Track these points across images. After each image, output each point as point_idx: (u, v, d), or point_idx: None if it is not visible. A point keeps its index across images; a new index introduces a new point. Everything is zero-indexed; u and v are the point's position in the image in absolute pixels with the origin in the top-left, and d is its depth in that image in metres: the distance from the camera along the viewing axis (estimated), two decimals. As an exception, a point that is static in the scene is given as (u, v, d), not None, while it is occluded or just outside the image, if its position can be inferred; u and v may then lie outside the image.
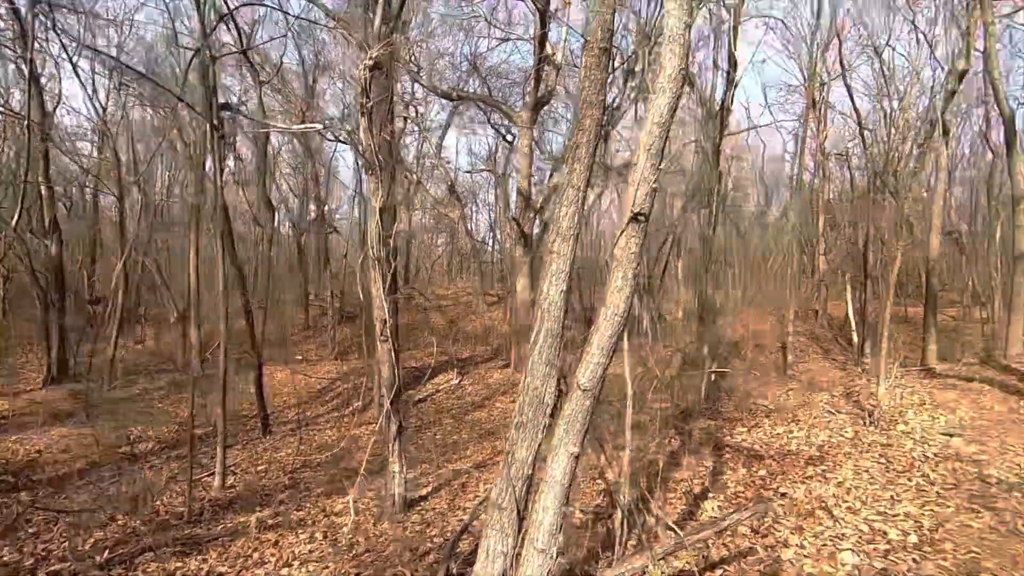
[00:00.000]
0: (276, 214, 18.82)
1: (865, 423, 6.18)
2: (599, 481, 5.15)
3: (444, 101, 15.67)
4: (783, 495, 4.45)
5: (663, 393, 8.25)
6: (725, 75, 10.25)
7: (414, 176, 16.13)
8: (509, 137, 16.32)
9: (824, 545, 3.52)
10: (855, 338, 16.96)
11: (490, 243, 25.37)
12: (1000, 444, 5.39)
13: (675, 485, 4.86)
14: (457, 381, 11.86)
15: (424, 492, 5.78)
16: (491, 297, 20.98)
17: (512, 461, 2.61)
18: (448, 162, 20.71)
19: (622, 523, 3.43)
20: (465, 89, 13.83)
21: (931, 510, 4.03)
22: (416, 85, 14.34)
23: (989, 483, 4.53)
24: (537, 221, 12.13)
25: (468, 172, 21.58)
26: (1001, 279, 15.03)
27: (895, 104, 18.08)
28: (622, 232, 2.37)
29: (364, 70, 4.59)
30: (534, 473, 2.64)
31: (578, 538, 3.84)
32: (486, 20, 13.01)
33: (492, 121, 16.27)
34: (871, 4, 16.75)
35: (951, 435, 5.62)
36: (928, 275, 10.18)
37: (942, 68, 12.84)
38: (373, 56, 4.61)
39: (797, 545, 3.54)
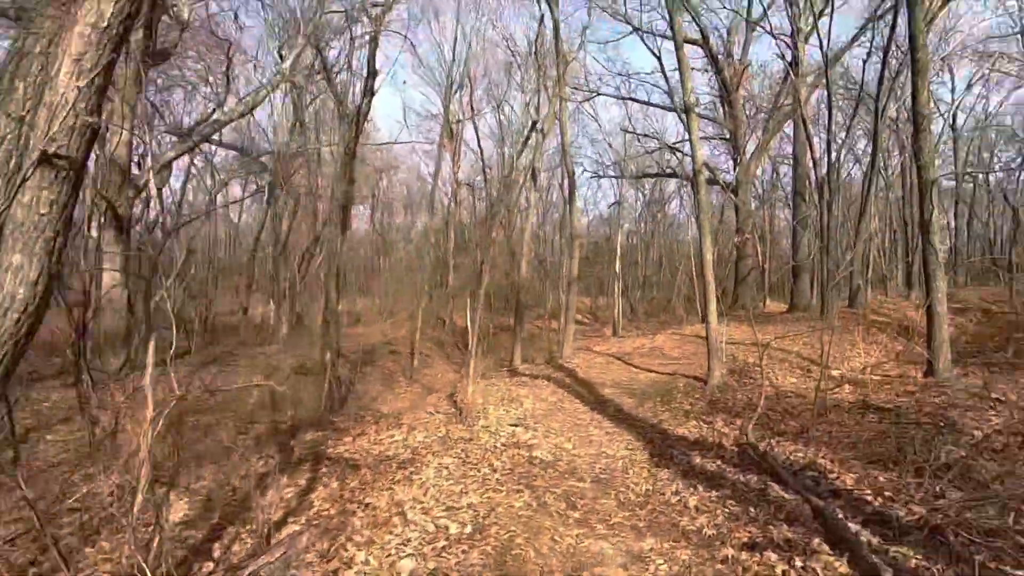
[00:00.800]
0: None
1: (456, 421, 6.80)
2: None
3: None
4: (367, 505, 4.32)
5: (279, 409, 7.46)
6: (364, 81, 10.31)
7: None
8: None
9: (389, 556, 3.45)
10: (470, 344, 19.23)
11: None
12: (546, 429, 6.61)
13: (252, 515, 4.21)
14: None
15: None
16: None
17: None
18: None
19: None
20: None
21: (488, 497, 4.49)
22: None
23: (534, 464, 5.41)
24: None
25: None
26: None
27: (507, 150, 21.62)
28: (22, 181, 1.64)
29: None
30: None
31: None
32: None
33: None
34: (498, 62, 19.67)
35: (517, 425, 6.63)
36: (518, 293, 12.33)
37: (537, 129, 15.75)
38: None
39: (362, 562, 3.37)
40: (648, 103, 22.81)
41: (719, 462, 5.07)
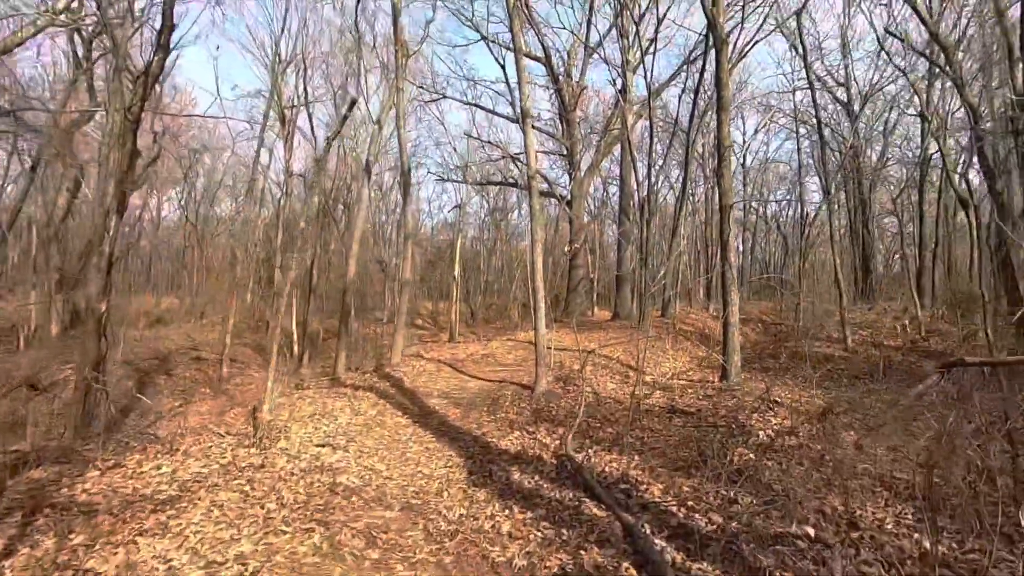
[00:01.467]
0: None
1: (249, 443, 5.71)
2: None
3: None
4: (86, 573, 3.21)
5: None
6: (157, 35, 8.51)
7: None
8: None
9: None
10: (296, 349, 17.48)
11: None
12: (359, 448, 5.86)
13: None
14: None
15: None
16: None
17: None
18: None
19: None
20: None
21: (267, 543, 3.64)
22: None
23: (337, 492, 4.65)
24: None
25: None
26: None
27: (346, 142, 20.16)
28: None
29: None
30: None
31: None
32: None
33: None
34: (338, 46, 18.18)
35: (324, 445, 5.77)
36: (344, 294, 11.27)
37: (375, 122, 14.77)
38: None
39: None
40: (493, 112, 23.09)
41: (537, 477, 4.80)
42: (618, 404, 7.86)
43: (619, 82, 17.46)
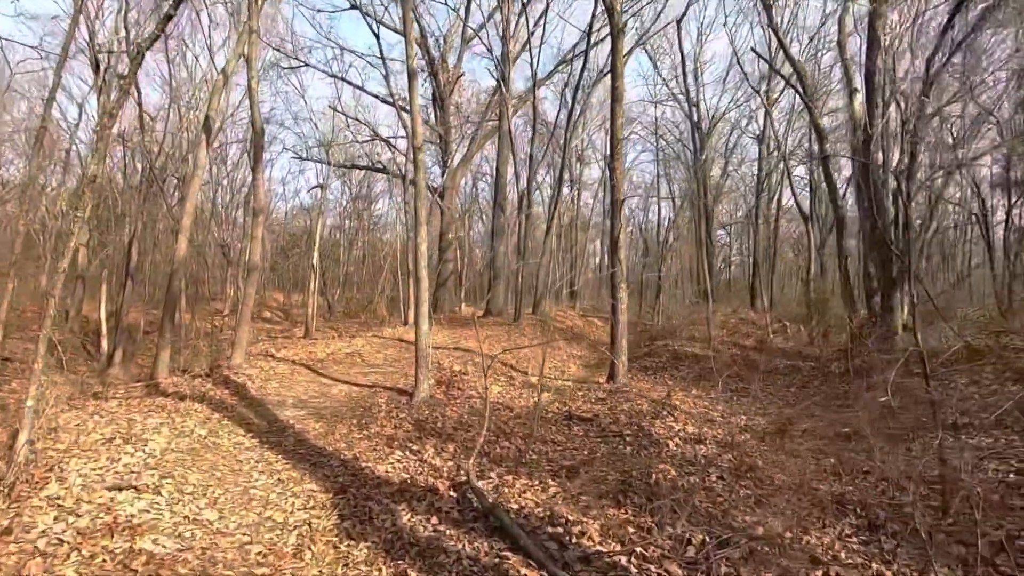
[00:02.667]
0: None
1: None
2: None
3: None
4: None
5: None
6: None
7: None
8: None
9: None
10: (105, 345, 14.21)
11: None
12: (177, 487, 4.18)
13: None
14: None
15: None
16: None
17: None
18: None
19: None
20: None
21: None
22: None
23: (133, 568, 3.06)
24: None
25: None
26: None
27: (185, 100, 16.88)
28: None
29: None
30: None
31: None
32: None
33: None
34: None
35: (120, 488, 4.00)
36: (171, 278, 8.93)
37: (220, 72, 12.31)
38: None
39: None
40: (362, 88, 21.00)
41: (435, 520, 3.64)
42: (508, 411, 6.96)
43: (499, 71, 16.70)
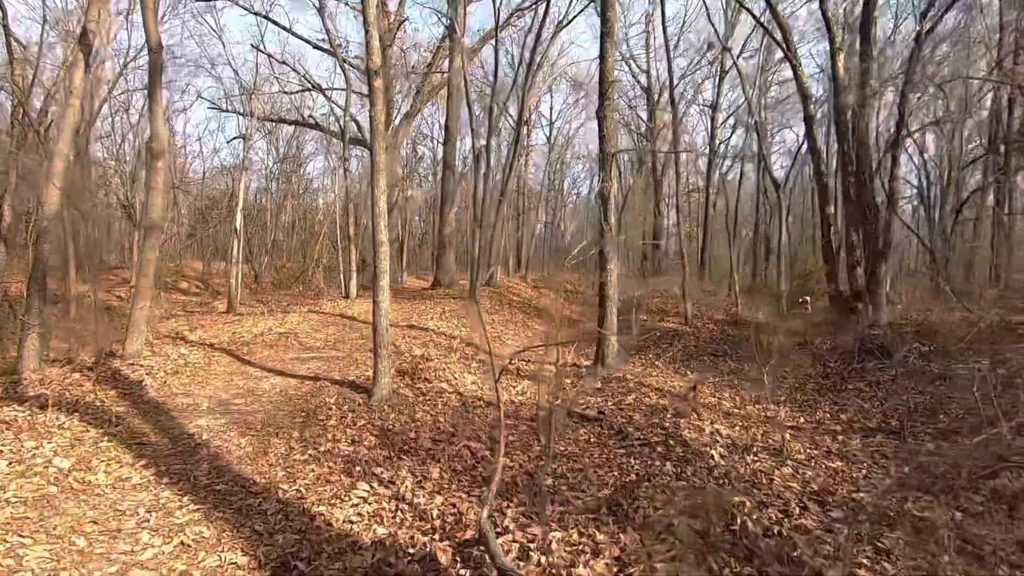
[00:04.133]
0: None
1: None
2: None
3: None
4: None
5: None
6: None
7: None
8: None
9: None
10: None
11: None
12: (14, 559, 2.49)
13: None
14: None
15: None
16: None
17: None
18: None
19: None
20: None
21: None
22: None
23: None
24: None
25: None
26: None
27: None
28: None
29: None
30: None
31: None
32: None
33: None
34: None
35: None
36: (37, 240, 6.69)
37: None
38: None
39: None
40: (290, 31, 18.14)
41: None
42: (489, 406, 5.56)
43: (452, 10, 14.68)
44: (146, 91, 16.62)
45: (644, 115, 23.61)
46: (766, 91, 19.02)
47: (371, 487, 3.59)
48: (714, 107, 21.57)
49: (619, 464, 4.09)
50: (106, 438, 4.28)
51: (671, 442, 4.44)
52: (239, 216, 12.72)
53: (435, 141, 26.67)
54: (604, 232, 7.36)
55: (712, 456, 4.19)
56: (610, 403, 5.64)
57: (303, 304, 12.78)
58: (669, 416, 5.07)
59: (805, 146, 14.29)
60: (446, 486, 3.62)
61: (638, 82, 23.62)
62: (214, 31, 26.19)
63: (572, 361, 7.52)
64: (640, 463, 4.08)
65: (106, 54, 15.43)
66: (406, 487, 3.58)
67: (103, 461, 3.90)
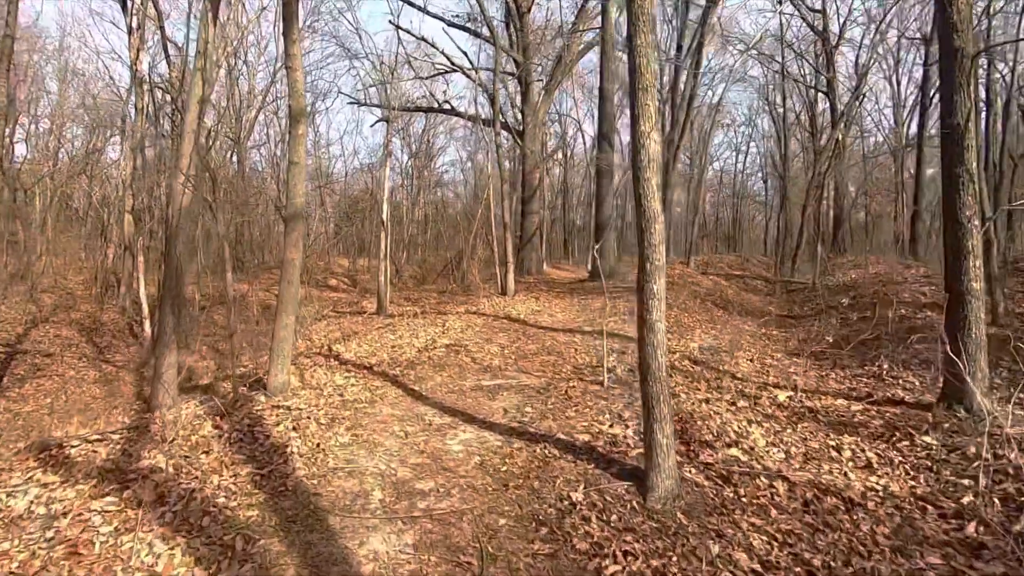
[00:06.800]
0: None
1: None
2: None
3: None
4: None
5: None
6: None
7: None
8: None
9: None
10: (148, 329, 11.25)
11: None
12: None
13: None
14: None
15: None
16: None
17: None
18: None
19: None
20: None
21: None
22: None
23: None
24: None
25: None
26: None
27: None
28: None
29: None
30: None
31: None
32: None
33: None
34: None
35: None
36: (168, 241, 5.28)
37: None
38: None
39: None
40: (425, 10, 16.46)
41: None
42: (826, 496, 2.90)
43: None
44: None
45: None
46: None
47: None
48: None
49: None
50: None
51: None
52: (385, 207, 11.19)
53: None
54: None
55: None
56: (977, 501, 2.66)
57: (455, 303, 10.98)
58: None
59: None
60: None
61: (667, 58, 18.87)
62: (351, 25, 25.77)
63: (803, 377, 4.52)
64: None
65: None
66: None
67: None
